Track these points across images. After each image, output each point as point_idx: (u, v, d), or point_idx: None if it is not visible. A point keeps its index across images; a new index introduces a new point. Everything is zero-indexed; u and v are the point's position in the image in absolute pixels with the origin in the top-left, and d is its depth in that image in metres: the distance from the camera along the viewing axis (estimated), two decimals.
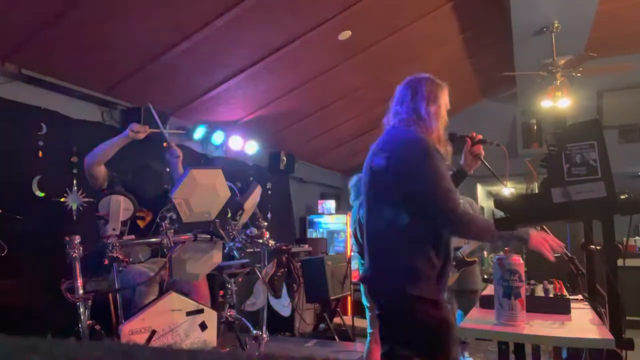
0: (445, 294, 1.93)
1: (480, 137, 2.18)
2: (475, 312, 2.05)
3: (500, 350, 1.81)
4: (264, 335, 3.00)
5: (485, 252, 8.30)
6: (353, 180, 3.92)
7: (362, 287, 3.56)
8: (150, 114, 3.15)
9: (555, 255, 1.84)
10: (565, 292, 2.07)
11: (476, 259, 3.78)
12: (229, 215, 2.79)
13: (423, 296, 1.83)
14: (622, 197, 1.62)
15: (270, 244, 3.04)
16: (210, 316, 2.53)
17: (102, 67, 3.72)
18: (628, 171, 7.15)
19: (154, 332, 2.25)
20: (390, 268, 1.93)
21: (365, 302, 3.57)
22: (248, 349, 3.02)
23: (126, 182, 3.00)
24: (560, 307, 1.91)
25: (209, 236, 2.65)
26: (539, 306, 1.92)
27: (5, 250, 2.54)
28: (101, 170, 2.92)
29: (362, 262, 3.79)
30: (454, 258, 3.65)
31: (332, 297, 4.94)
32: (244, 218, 2.90)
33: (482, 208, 9.75)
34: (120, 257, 2.29)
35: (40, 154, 3.47)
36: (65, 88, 3.70)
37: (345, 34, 4.45)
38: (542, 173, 1.80)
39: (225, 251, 2.82)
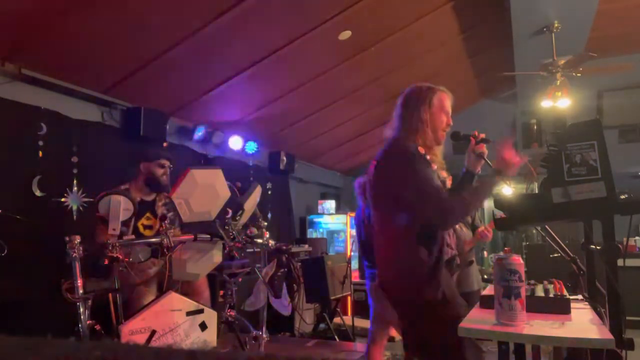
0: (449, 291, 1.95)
1: (483, 136, 2.18)
2: (475, 312, 2.05)
3: (500, 350, 1.81)
4: (264, 335, 3.00)
5: (485, 252, 8.31)
6: (359, 181, 3.94)
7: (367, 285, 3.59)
8: (154, 120, 3.17)
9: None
10: (565, 292, 2.07)
11: (473, 259, 3.77)
12: (229, 215, 2.79)
13: (414, 299, 1.92)
14: (622, 197, 1.63)
15: (270, 244, 3.04)
16: (210, 316, 2.53)
17: (102, 67, 3.72)
18: (628, 171, 7.15)
19: (154, 332, 2.25)
20: (390, 270, 2.04)
21: (370, 300, 3.57)
22: (248, 349, 3.02)
23: None
24: (560, 307, 1.91)
25: (209, 236, 2.65)
26: (539, 306, 1.91)
27: (5, 250, 2.54)
28: None
29: (367, 263, 3.82)
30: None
31: (332, 297, 4.94)
32: (244, 218, 2.90)
33: (481, 208, 9.76)
34: (120, 257, 2.28)
35: (40, 154, 3.47)
36: (65, 88, 3.70)
37: (345, 34, 4.45)
38: (542, 173, 1.80)
39: (225, 251, 2.82)
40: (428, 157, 2.03)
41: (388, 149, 2.05)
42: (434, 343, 1.93)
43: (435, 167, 2.03)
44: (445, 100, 2.10)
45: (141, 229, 3.09)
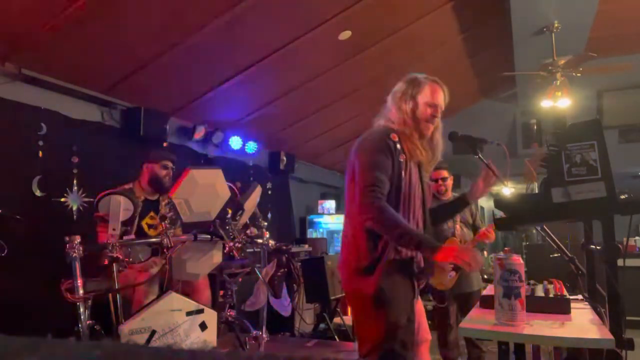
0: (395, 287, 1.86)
1: (494, 169, 2.10)
2: (475, 312, 2.05)
3: (500, 350, 1.81)
4: (264, 335, 3.00)
5: (485, 252, 8.31)
6: None
7: None
8: (154, 120, 3.17)
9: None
10: (565, 292, 2.07)
11: None
12: (229, 215, 2.79)
13: (360, 290, 1.85)
14: (622, 197, 1.62)
15: (270, 244, 3.04)
16: (210, 316, 2.53)
17: (102, 67, 3.72)
18: (628, 171, 7.15)
19: (154, 332, 2.24)
20: (340, 255, 2.00)
21: None
22: (248, 349, 3.02)
23: None
24: (560, 307, 1.91)
25: (209, 236, 2.65)
26: (539, 306, 1.91)
27: (5, 250, 2.54)
28: None
29: None
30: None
31: (332, 297, 4.93)
32: (244, 218, 2.90)
33: (481, 208, 9.75)
34: (120, 257, 2.28)
35: (40, 154, 3.47)
36: (65, 88, 3.70)
37: (345, 34, 4.45)
38: (542, 173, 1.80)
39: (225, 251, 2.82)
40: (404, 146, 1.94)
41: (363, 136, 2.03)
42: (368, 338, 1.87)
43: (404, 157, 1.92)
44: (435, 91, 2.00)
45: (145, 228, 3.10)
